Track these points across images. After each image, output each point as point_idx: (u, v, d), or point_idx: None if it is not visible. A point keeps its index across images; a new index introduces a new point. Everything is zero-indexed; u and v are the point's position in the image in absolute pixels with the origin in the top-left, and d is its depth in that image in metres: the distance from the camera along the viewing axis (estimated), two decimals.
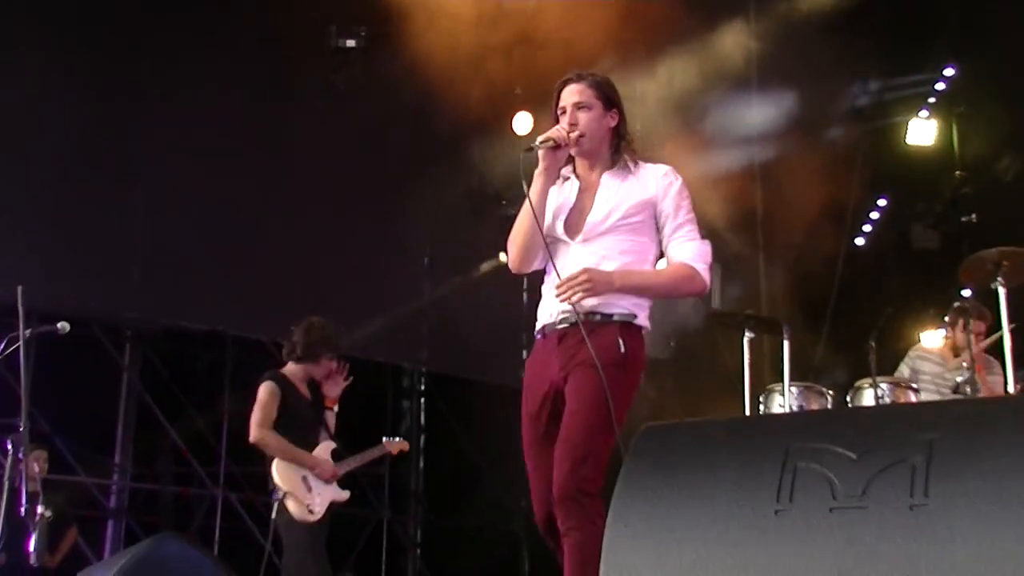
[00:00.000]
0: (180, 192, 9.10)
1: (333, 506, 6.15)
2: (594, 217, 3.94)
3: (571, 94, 4.00)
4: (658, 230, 3.99)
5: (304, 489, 6.04)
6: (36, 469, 6.65)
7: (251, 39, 9.78)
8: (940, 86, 10.53)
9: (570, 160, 4.06)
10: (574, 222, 3.98)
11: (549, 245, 3.96)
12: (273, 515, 6.02)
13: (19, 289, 5.19)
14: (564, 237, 3.98)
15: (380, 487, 11.16)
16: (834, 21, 10.26)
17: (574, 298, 3.76)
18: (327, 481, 6.16)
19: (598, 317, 3.85)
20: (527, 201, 3.91)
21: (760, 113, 11.46)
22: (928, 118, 10.46)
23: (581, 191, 4.02)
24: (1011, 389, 6.11)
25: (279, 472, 6.04)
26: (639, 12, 10.37)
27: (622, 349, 3.80)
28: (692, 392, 10.64)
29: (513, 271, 4.10)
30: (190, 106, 9.26)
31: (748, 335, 7.04)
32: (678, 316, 11.39)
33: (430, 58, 8.58)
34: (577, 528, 3.64)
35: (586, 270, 3.79)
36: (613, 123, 4.04)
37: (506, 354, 10.51)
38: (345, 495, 6.26)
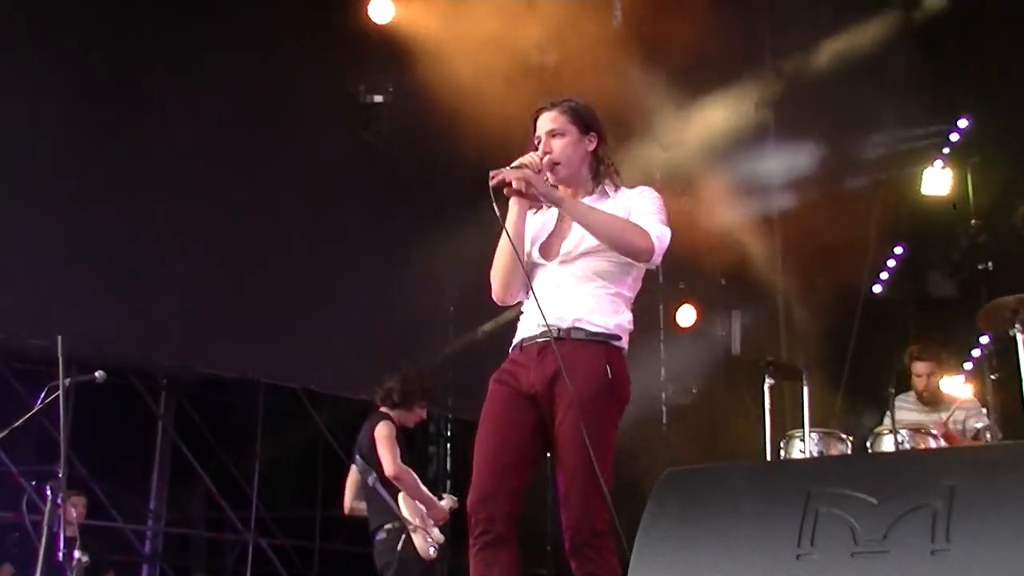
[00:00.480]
0: (213, 246, 9.17)
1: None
2: (570, 241, 3.83)
3: (545, 122, 3.92)
4: None
5: (428, 527, 6.13)
6: (74, 514, 6.66)
7: (284, 95, 9.92)
8: (954, 137, 10.52)
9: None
10: (551, 246, 3.87)
11: (528, 269, 3.86)
12: (397, 547, 6.02)
13: (59, 339, 5.24)
14: (540, 260, 3.88)
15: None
16: (851, 75, 10.29)
17: (506, 176, 3.70)
18: (436, 523, 6.26)
19: (582, 333, 3.73)
20: (504, 231, 3.81)
21: (779, 163, 11.48)
22: (943, 168, 10.44)
23: (560, 216, 3.89)
24: None
25: (408, 507, 6.10)
26: (662, 66, 10.45)
27: (609, 375, 3.70)
28: (714, 437, 10.58)
29: (497, 302, 3.96)
30: (224, 165, 9.37)
31: (769, 381, 7.01)
32: (700, 363, 11.38)
33: (456, 110, 8.64)
34: (592, 562, 3.55)
35: (524, 167, 3.75)
36: (591, 147, 3.93)
37: None
38: (442, 538, 6.29)
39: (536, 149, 3.88)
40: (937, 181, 10.42)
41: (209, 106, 9.26)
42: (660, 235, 3.76)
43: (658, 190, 4.01)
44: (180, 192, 9.20)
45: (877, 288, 11.11)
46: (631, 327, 3.86)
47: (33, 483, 7.35)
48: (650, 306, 11.85)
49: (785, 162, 11.49)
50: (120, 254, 8.76)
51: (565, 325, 3.71)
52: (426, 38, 9.30)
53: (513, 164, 3.79)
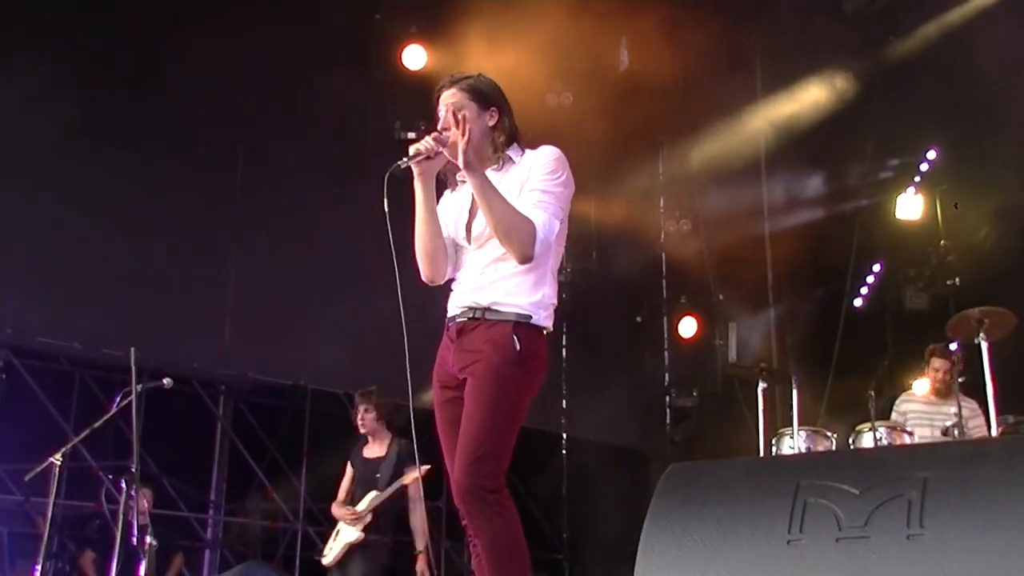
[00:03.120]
0: (265, 265, 9.22)
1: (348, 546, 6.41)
2: (478, 222, 3.49)
3: (443, 101, 3.57)
4: None
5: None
6: (145, 505, 6.70)
7: (329, 129, 10.02)
8: (924, 167, 10.52)
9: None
10: (468, 227, 3.54)
11: (456, 251, 3.59)
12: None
13: (132, 351, 5.28)
14: (463, 242, 3.57)
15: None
16: (833, 112, 10.31)
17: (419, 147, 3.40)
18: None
19: (495, 314, 3.42)
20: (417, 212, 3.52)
21: (771, 190, 11.50)
22: (915, 195, 10.44)
23: (474, 197, 3.50)
24: (995, 432, 6.03)
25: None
26: (666, 104, 10.49)
27: (517, 347, 3.35)
28: (713, 436, 10.56)
29: (427, 283, 3.63)
30: (273, 188, 9.45)
31: (762, 385, 7.02)
32: (701, 369, 11.38)
33: None
34: (486, 526, 3.27)
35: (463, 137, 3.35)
36: (492, 122, 3.55)
37: (544, 401, 10.51)
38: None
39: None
40: (910, 206, 10.42)
41: (267, 138, 9.36)
42: (545, 230, 3.38)
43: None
44: (235, 221, 9.27)
45: (858, 302, 11.09)
46: (552, 300, 3.50)
47: (110, 477, 7.42)
48: (655, 318, 11.87)
49: (775, 189, 11.51)
50: (185, 277, 8.81)
51: (480, 307, 3.44)
52: None
53: (411, 151, 3.46)
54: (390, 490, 6.38)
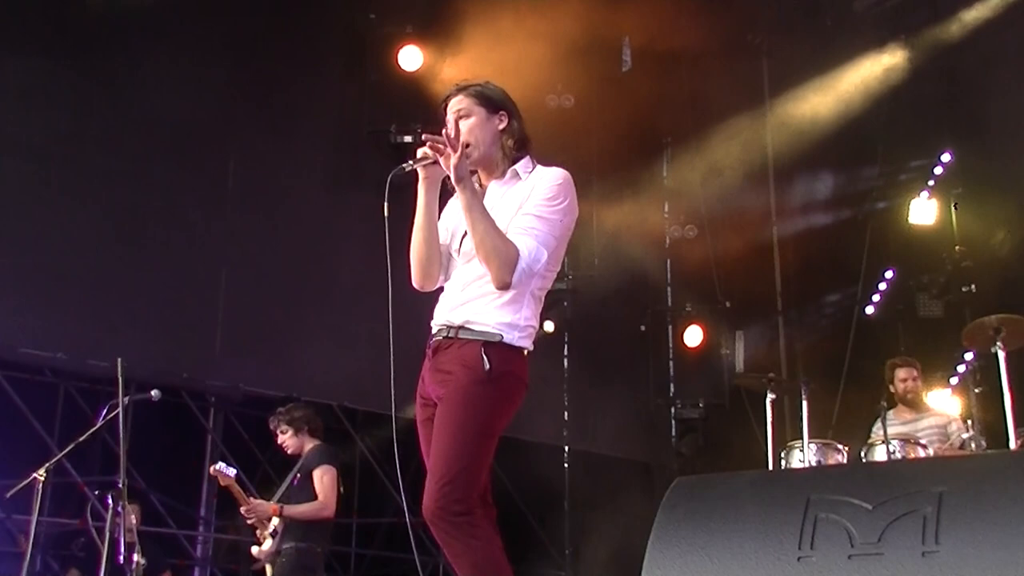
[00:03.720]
0: (257, 273, 9.21)
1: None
2: (470, 237, 3.46)
3: (451, 108, 3.60)
4: None
5: None
6: (132, 521, 6.68)
7: (323, 134, 10.01)
8: (938, 170, 10.52)
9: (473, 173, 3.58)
10: (459, 241, 3.55)
11: (448, 260, 3.61)
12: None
13: (119, 361, 5.27)
14: (454, 255, 3.59)
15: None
16: (842, 114, 10.31)
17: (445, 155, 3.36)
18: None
19: (468, 332, 3.43)
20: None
21: (779, 195, 11.50)
22: (928, 199, 10.44)
23: None
24: (1013, 445, 6.01)
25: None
26: (670, 106, 10.49)
27: (486, 366, 3.35)
28: (720, 448, 10.54)
29: (416, 287, 3.64)
30: (266, 194, 9.44)
31: (770, 396, 7.00)
32: (707, 380, 11.37)
33: None
34: (462, 552, 3.27)
35: (457, 151, 3.36)
36: (502, 125, 3.58)
37: (545, 413, 10.49)
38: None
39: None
40: (923, 211, 10.41)
41: (259, 144, 9.36)
42: (530, 259, 3.38)
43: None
44: (227, 228, 9.27)
45: (870, 309, 11.09)
46: (531, 323, 3.48)
47: (96, 492, 7.40)
48: (659, 327, 11.86)
49: (784, 193, 11.51)
50: (173, 286, 8.80)
51: (455, 326, 3.45)
52: (451, 82, 9.36)
53: (419, 153, 3.49)
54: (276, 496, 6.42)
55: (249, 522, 6.44)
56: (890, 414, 7.09)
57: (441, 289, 3.65)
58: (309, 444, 6.68)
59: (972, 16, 9.61)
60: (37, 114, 7.96)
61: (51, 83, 8.06)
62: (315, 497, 6.39)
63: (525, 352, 3.48)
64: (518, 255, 3.36)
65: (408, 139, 9.78)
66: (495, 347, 3.40)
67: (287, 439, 6.66)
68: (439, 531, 3.26)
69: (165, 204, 8.86)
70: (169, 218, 8.88)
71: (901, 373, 7.17)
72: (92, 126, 8.50)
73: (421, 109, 9.43)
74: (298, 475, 6.53)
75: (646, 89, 10.06)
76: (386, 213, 3.42)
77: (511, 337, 3.42)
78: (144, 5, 8.58)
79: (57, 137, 8.12)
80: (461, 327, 3.45)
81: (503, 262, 3.35)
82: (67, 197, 8.36)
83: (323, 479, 6.41)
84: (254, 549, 6.42)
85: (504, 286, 3.38)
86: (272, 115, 9.44)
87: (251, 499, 6.47)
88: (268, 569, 6.41)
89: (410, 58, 9.88)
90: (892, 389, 7.27)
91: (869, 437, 6.85)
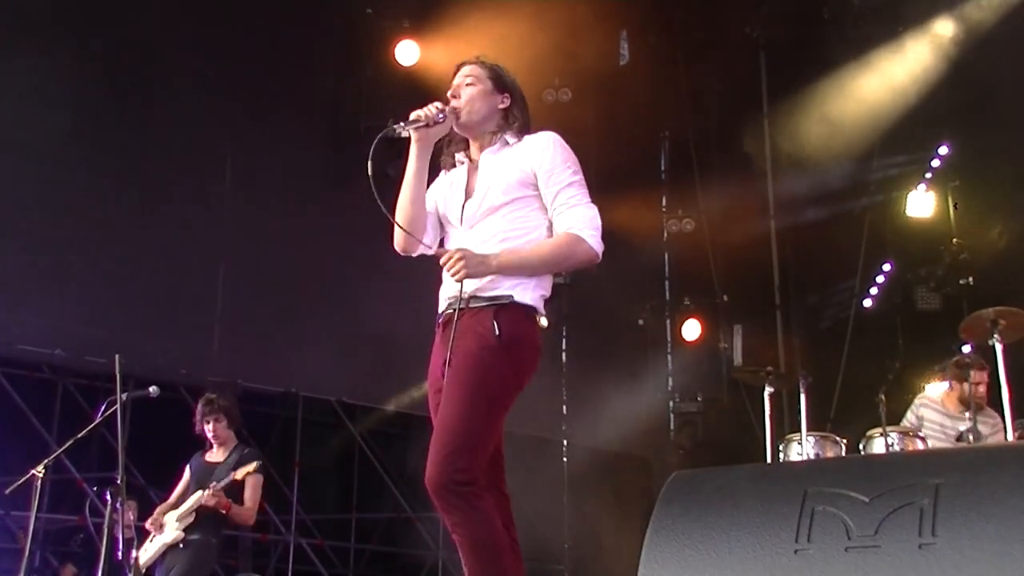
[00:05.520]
0: (255, 269, 9.22)
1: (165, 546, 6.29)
2: (474, 202, 3.49)
3: (461, 72, 3.64)
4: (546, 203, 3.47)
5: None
6: (131, 518, 6.70)
7: (320, 130, 10.01)
8: (935, 163, 10.53)
9: (466, 145, 3.65)
10: (459, 209, 3.54)
11: (444, 230, 3.60)
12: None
13: (117, 358, 5.28)
14: (451, 224, 3.57)
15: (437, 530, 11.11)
16: (839, 106, 10.32)
17: (453, 274, 3.33)
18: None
19: (477, 301, 3.37)
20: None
21: (775, 188, 11.51)
22: (926, 192, 10.44)
23: (468, 173, 3.57)
24: (1011, 437, 6.02)
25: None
26: (667, 100, 10.50)
27: (496, 332, 3.29)
28: (718, 442, 10.56)
29: (398, 251, 3.62)
30: (263, 190, 9.44)
31: (768, 389, 7.01)
32: (705, 373, 11.38)
33: None
34: (462, 522, 3.19)
35: (460, 250, 3.34)
36: (503, 105, 3.60)
37: (544, 407, 10.51)
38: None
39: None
40: (921, 203, 10.42)
41: (256, 144, 9.35)
42: (591, 223, 3.42)
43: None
44: (225, 225, 9.27)
45: (868, 302, 11.10)
46: (541, 283, 3.47)
47: (94, 489, 7.41)
48: (657, 321, 11.87)
49: (781, 186, 11.51)
50: (172, 283, 8.81)
51: (465, 296, 3.37)
52: (447, 77, 9.36)
53: (411, 117, 3.53)
54: (219, 486, 6.33)
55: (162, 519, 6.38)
56: (938, 402, 6.99)
57: (424, 258, 3.61)
58: (233, 441, 6.64)
59: (969, 9, 9.62)
60: (33, 113, 7.96)
61: (51, 83, 8.06)
62: (239, 495, 6.37)
63: (538, 317, 3.44)
64: (576, 235, 3.39)
65: (405, 135, 9.76)
66: (506, 310, 3.35)
67: (221, 430, 6.55)
68: (441, 501, 3.19)
69: (163, 201, 8.87)
70: (167, 215, 8.89)
71: (977, 376, 6.91)
72: (89, 124, 8.50)
73: (418, 104, 9.41)
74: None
75: (644, 82, 10.06)
76: (369, 172, 3.38)
77: (524, 296, 3.38)
78: (143, 4, 8.60)
79: (52, 136, 8.12)
80: (472, 296, 3.38)
81: (576, 252, 3.41)
82: (65, 195, 8.37)
83: (255, 487, 6.40)
84: (167, 537, 6.31)
85: (598, 257, 3.42)
86: (269, 111, 9.44)
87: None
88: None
89: (407, 53, 9.88)
90: (952, 387, 6.97)
91: (906, 421, 6.83)
